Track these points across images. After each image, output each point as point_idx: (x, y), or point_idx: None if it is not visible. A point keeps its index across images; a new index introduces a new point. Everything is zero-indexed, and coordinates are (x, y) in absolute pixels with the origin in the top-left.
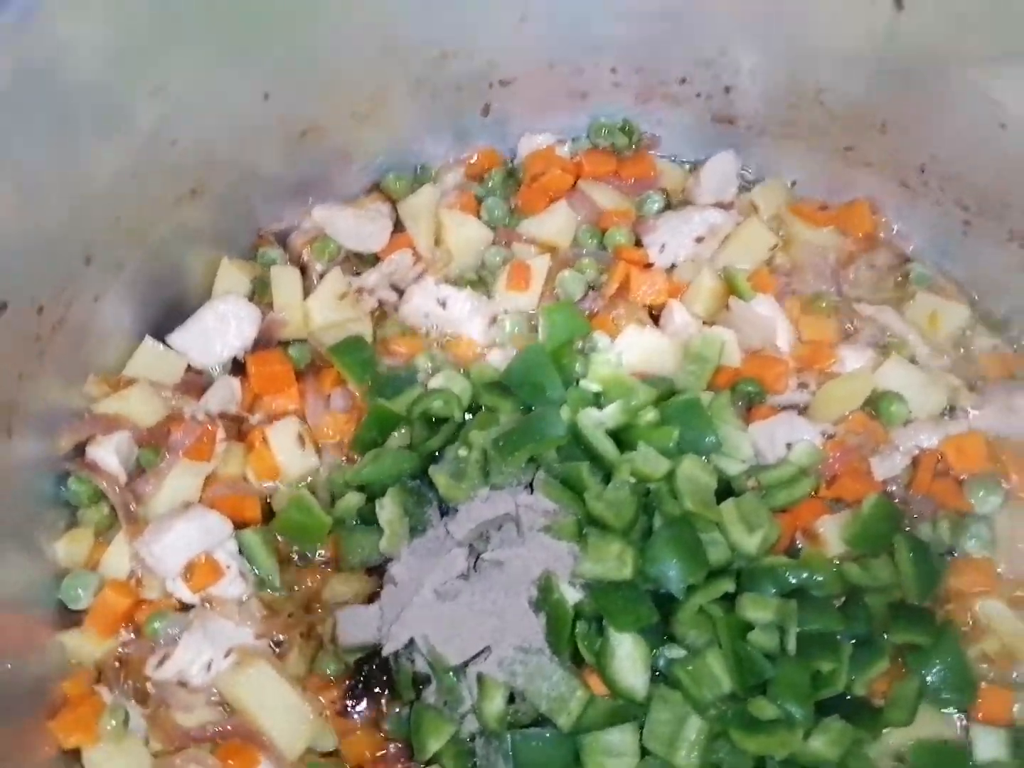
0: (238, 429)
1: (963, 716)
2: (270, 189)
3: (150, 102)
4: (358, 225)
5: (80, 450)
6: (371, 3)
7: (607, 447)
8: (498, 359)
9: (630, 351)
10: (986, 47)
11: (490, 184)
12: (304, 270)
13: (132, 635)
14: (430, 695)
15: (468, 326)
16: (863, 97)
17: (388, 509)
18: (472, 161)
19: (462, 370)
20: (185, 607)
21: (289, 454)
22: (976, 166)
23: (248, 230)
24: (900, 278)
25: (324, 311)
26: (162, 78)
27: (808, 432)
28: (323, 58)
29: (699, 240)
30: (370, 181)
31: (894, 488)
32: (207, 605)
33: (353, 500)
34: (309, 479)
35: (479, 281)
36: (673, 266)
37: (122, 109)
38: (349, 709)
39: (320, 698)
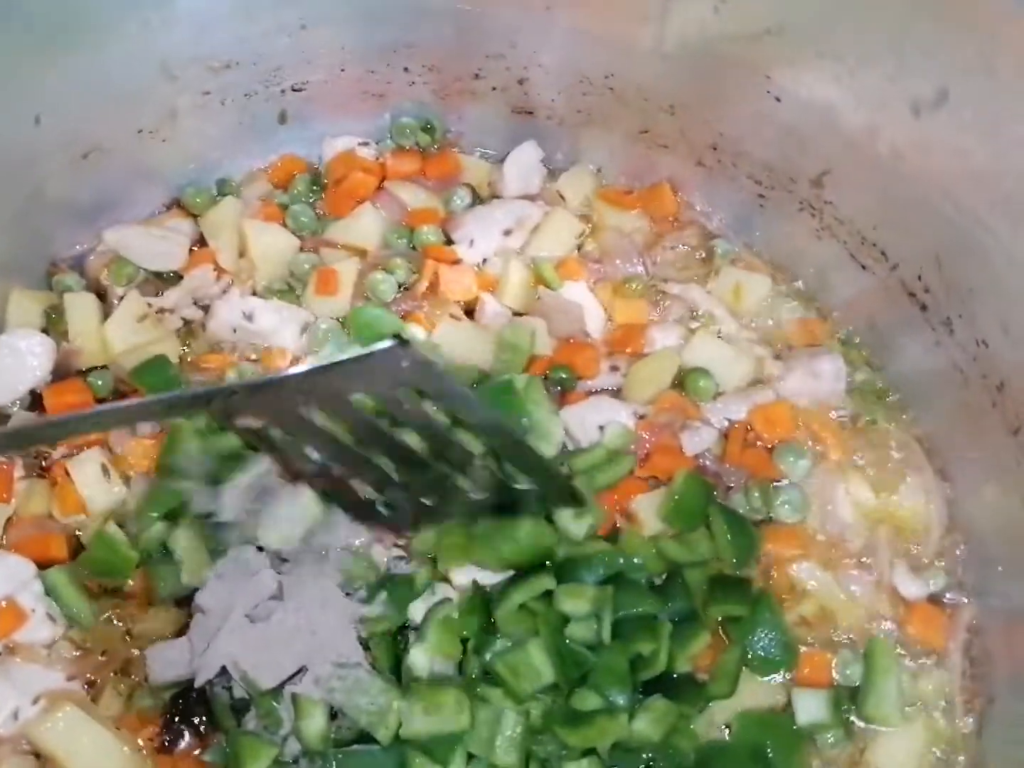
0: (40, 465)
1: (786, 682)
2: (60, 214)
3: None
4: (152, 244)
5: None
6: (138, 24)
7: None
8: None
9: (447, 345)
10: (749, 25)
11: (295, 191)
12: (103, 295)
13: None
14: (250, 721)
15: (279, 337)
16: (649, 82)
17: (183, 538)
18: (274, 169)
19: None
20: None
21: (94, 487)
22: (760, 141)
23: (42, 257)
24: (706, 255)
25: (123, 335)
26: None
27: (619, 414)
28: (96, 79)
29: (507, 233)
30: (169, 198)
31: (707, 462)
32: (10, 652)
33: (155, 531)
34: (116, 511)
35: (289, 290)
36: (484, 260)
37: None
38: (168, 744)
39: (139, 737)
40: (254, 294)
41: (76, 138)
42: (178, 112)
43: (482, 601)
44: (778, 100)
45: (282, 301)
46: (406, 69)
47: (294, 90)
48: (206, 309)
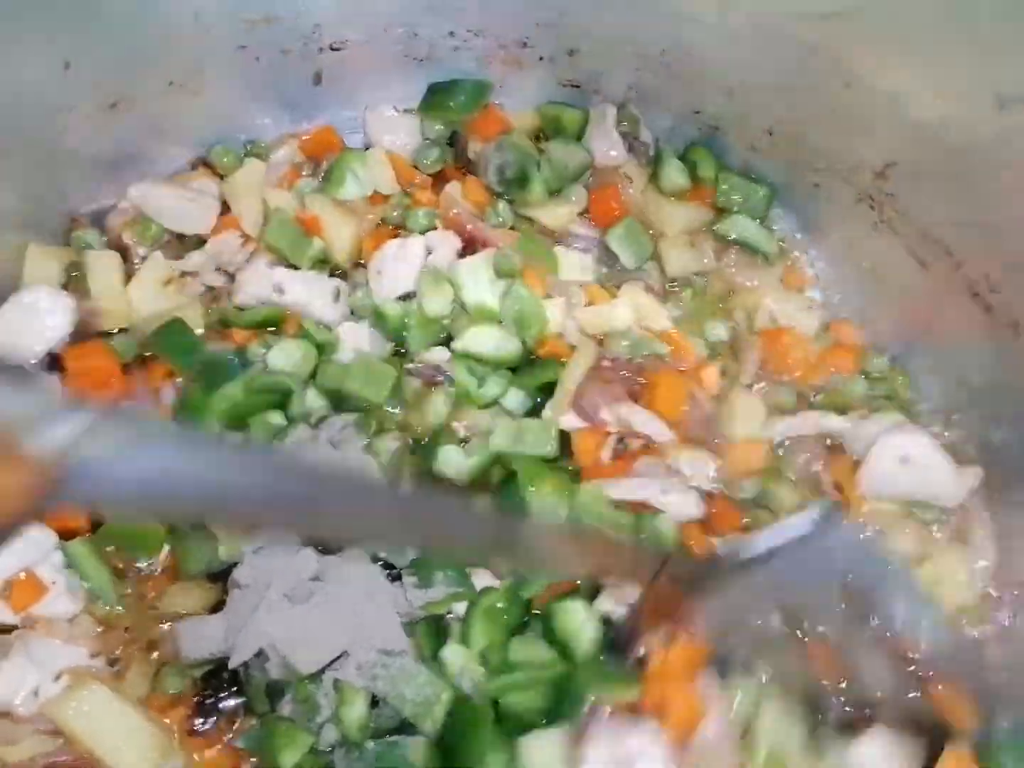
0: None
1: None
2: (82, 167)
3: None
4: (178, 205)
5: None
6: None
7: None
8: (352, 335)
9: None
10: (823, 4)
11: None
12: (125, 254)
13: None
14: (285, 705)
15: (312, 308)
16: (709, 60)
17: None
18: (307, 139)
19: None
20: (5, 630)
21: None
22: (822, 127)
23: (61, 213)
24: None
25: (147, 299)
26: None
27: None
28: (130, 24)
29: None
30: (195, 156)
31: None
32: (31, 626)
33: None
34: None
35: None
36: None
37: None
38: (198, 727)
39: (166, 718)
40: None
41: (105, 86)
42: (211, 66)
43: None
44: (847, 86)
45: (311, 271)
46: (451, 33)
47: (332, 49)
48: (231, 276)
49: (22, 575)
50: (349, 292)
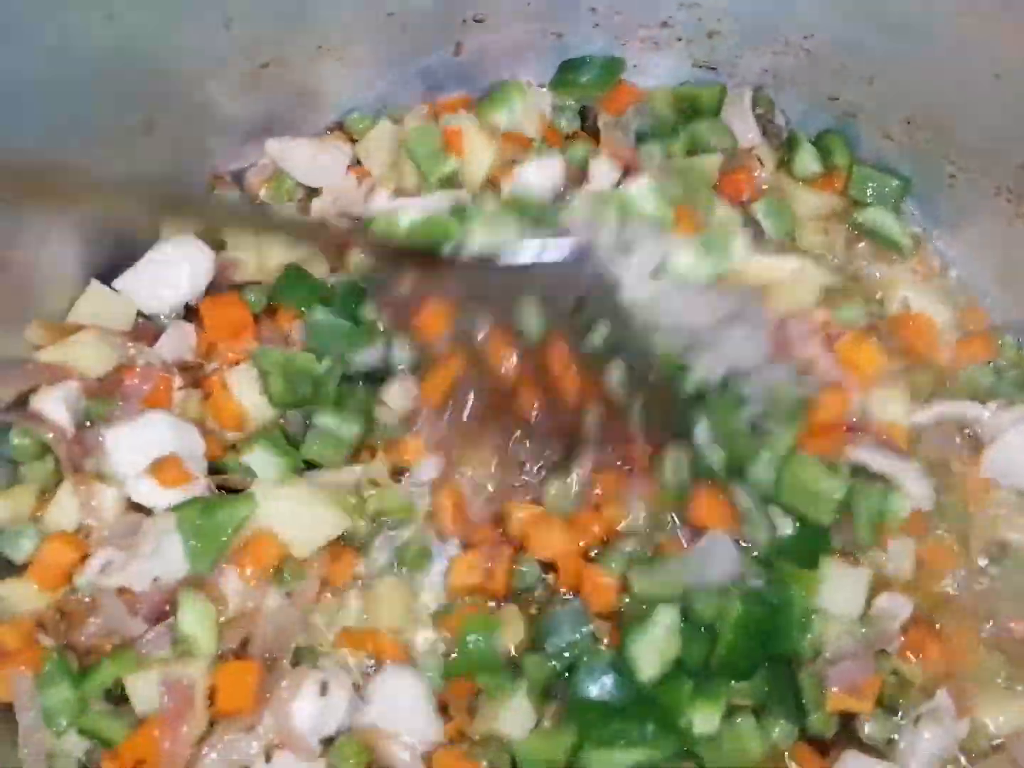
0: (194, 377)
1: None
2: (227, 126)
3: (103, 27)
4: (313, 157)
5: (21, 402)
6: None
7: None
8: None
9: None
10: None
11: None
12: None
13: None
14: None
15: None
16: (853, 45)
17: None
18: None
19: None
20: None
21: (253, 399)
22: (966, 118)
23: (202, 169)
24: None
25: (279, 251)
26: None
27: None
28: None
29: None
30: (332, 121)
31: None
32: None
33: None
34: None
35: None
36: None
37: (70, 34)
38: None
39: None
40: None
41: (259, 48)
42: (359, 32)
43: None
44: (997, 77)
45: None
46: (593, 9)
47: (475, 20)
48: (357, 221)
49: (171, 459)
50: None
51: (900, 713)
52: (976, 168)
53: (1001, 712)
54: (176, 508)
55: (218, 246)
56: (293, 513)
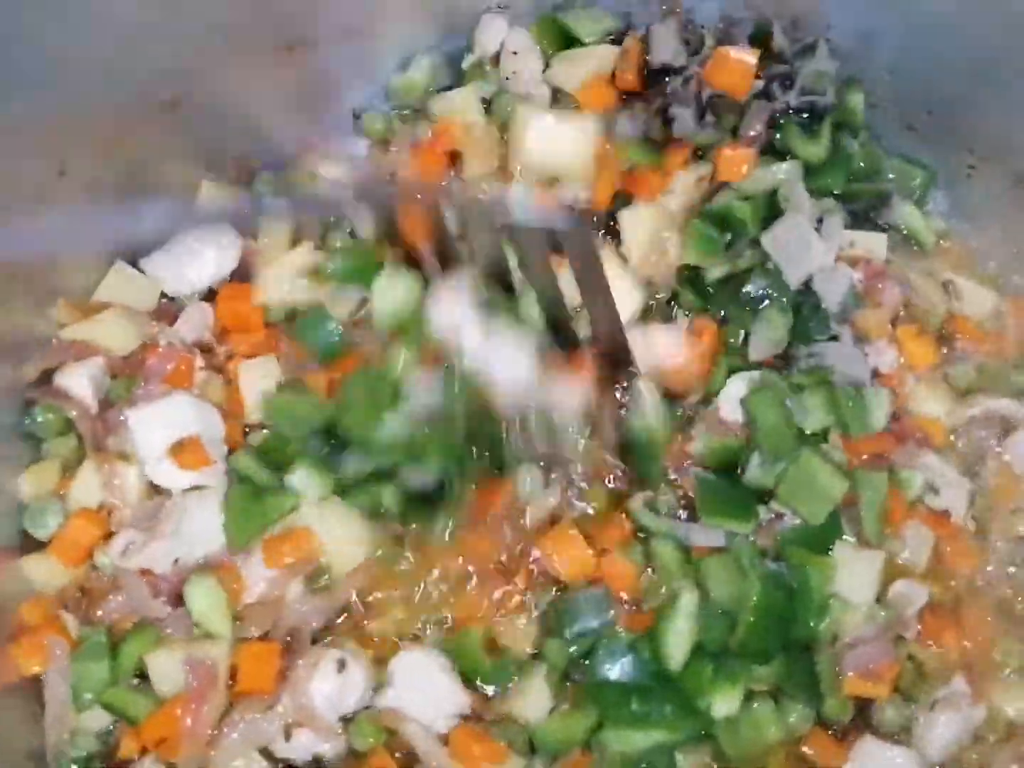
0: (216, 361)
1: None
2: (256, 108)
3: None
4: None
5: (46, 378)
6: None
7: None
8: None
9: None
10: None
11: None
12: None
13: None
14: None
15: None
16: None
17: None
18: None
19: None
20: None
21: (255, 398)
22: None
23: (234, 152)
24: None
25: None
26: None
27: None
28: None
29: None
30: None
31: None
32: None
33: None
34: None
35: None
36: None
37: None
38: None
39: None
40: None
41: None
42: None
43: None
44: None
45: None
46: None
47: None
48: None
49: (192, 441)
50: None
51: (916, 700)
52: (995, 159)
53: (1018, 699)
54: (231, 483)
55: (251, 235)
56: (334, 525)
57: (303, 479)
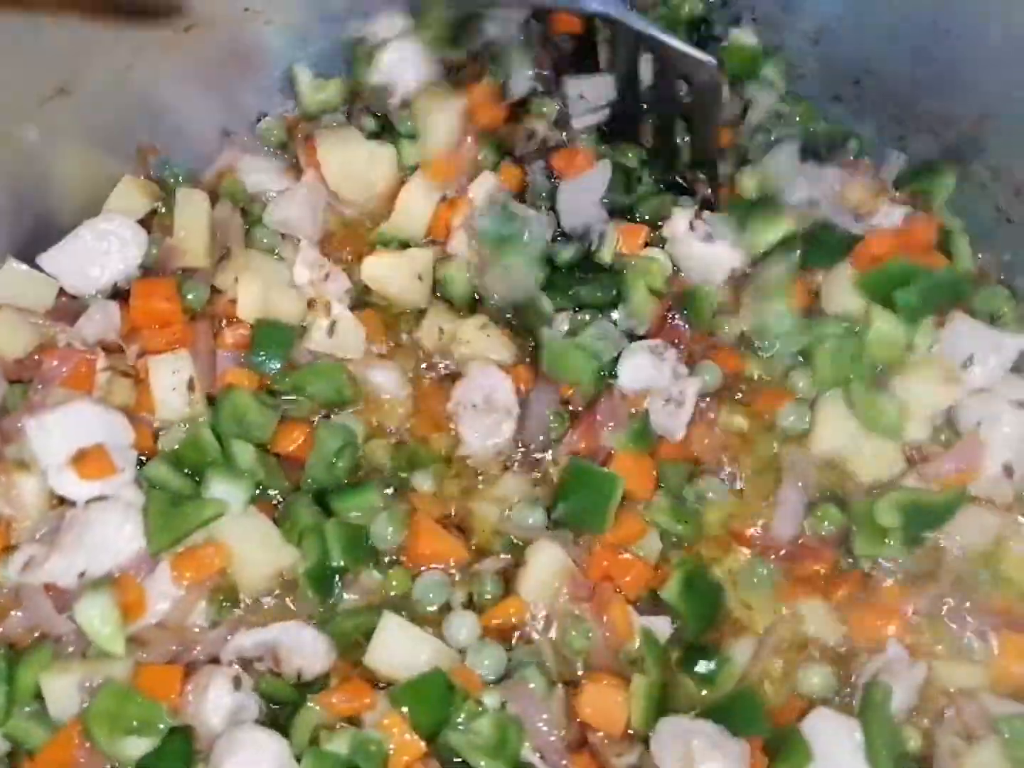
0: (121, 361)
1: None
2: (157, 94)
3: None
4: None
5: None
6: None
7: None
8: None
9: None
10: None
11: None
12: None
13: None
14: None
15: None
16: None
17: None
18: None
19: None
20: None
21: (167, 394)
22: None
23: (135, 140)
24: None
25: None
26: None
27: None
28: None
29: None
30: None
31: None
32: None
33: None
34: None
35: None
36: None
37: None
38: None
39: None
40: None
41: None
42: None
43: None
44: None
45: None
46: None
47: None
48: None
49: (96, 449)
50: None
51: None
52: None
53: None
54: (150, 489)
55: (164, 231)
56: (251, 536)
57: (222, 489)
